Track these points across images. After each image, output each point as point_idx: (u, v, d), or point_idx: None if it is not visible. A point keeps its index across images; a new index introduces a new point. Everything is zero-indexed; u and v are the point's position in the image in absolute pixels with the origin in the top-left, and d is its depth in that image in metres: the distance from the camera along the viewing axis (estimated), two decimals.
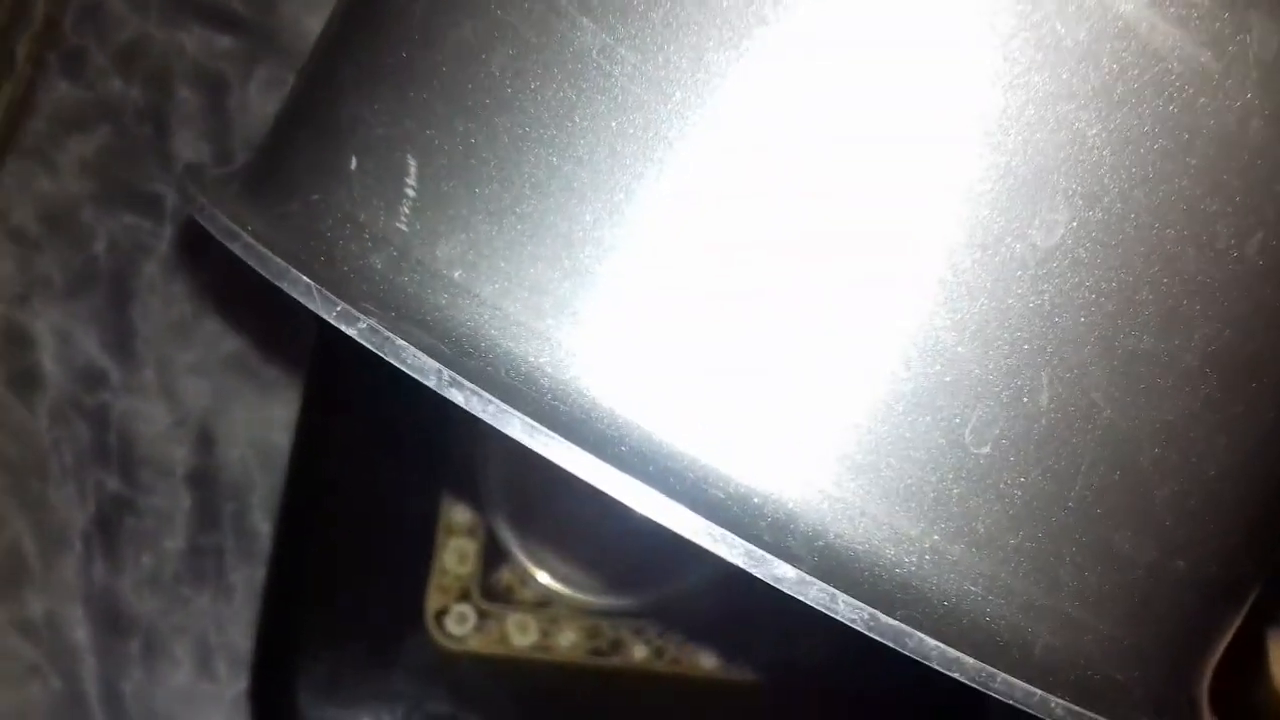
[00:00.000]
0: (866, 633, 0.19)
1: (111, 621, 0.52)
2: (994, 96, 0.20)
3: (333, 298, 0.20)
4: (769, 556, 0.18)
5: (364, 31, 0.24)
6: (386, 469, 0.48)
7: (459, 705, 0.46)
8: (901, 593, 0.19)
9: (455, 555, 0.47)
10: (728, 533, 0.18)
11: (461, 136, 0.21)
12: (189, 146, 0.56)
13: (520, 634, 0.46)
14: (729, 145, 0.20)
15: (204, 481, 0.53)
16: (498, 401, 0.19)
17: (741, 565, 0.18)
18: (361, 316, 0.20)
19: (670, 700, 0.46)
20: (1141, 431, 0.21)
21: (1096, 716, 0.20)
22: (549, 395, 0.20)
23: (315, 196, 0.23)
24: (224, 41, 0.56)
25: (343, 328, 0.20)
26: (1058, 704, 0.20)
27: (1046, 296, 0.20)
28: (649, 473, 0.19)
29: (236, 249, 0.21)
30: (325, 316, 0.20)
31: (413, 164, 0.21)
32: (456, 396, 0.19)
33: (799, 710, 0.46)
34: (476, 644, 0.46)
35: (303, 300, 0.20)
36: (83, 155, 0.55)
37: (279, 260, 0.21)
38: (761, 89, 0.20)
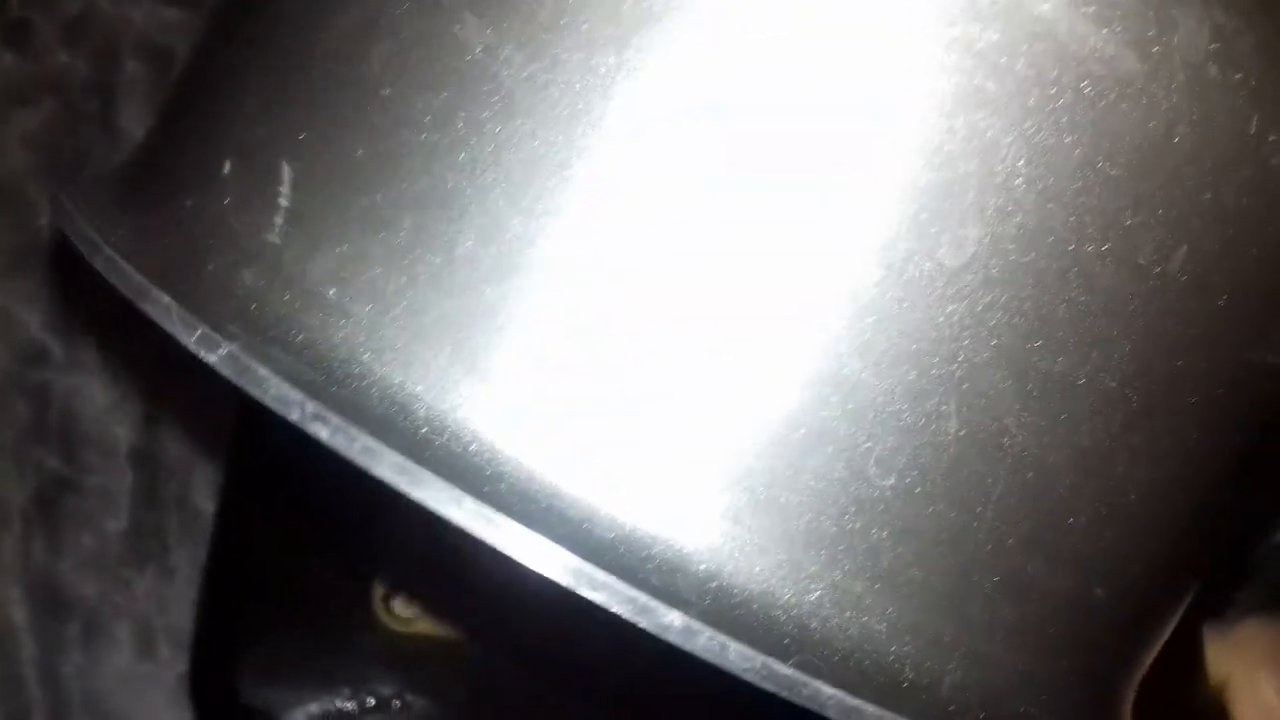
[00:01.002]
0: (759, 684, 0.18)
1: (51, 603, 0.51)
2: (899, 103, 0.18)
3: (193, 320, 0.18)
4: (654, 603, 0.17)
5: (242, 20, 0.22)
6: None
7: (406, 688, 0.45)
8: (799, 635, 0.18)
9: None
10: (610, 578, 0.17)
11: (337, 140, 0.20)
12: (136, 121, 0.54)
13: None
14: (619, 159, 0.19)
15: (147, 461, 0.52)
16: (365, 437, 0.18)
17: (624, 615, 0.17)
18: (223, 342, 0.18)
19: (618, 689, 0.45)
20: (1057, 458, 0.19)
21: None
22: (424, 427, 0.18)
23: (188, 202, 0.21)
24: (173, 14, 0.54)
25: (201, 354, 0.18)
26: None
27: (956, 318, 0.19)
28: (530, 513, 0.18)
29: (98, 263, 0.20)
30: (184, 342, 0.18)
31: (287, 169, 0.20)
32: (321, 432, 0.18)
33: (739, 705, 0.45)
34: (425, 626, 0.45)
35: (160, 323, 0.19)
36: (27, 129, 0.53)
37: (138, 277, 0.19)
38: (651, 97, 0.19)
